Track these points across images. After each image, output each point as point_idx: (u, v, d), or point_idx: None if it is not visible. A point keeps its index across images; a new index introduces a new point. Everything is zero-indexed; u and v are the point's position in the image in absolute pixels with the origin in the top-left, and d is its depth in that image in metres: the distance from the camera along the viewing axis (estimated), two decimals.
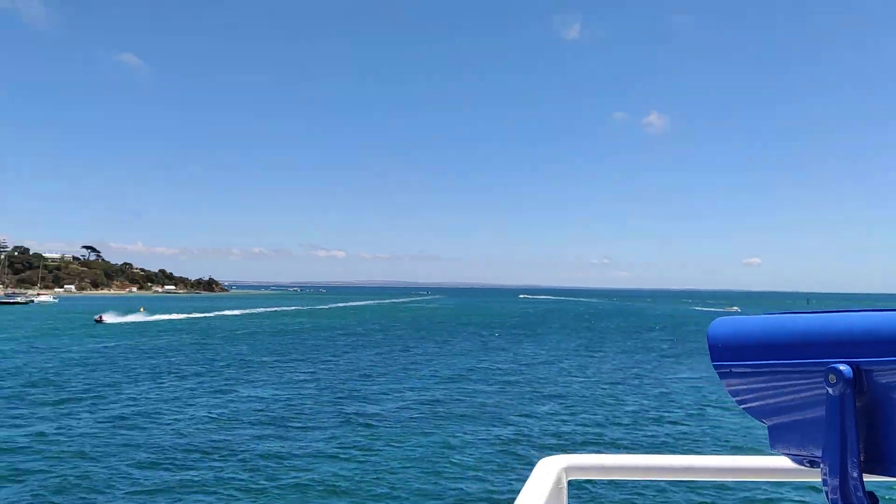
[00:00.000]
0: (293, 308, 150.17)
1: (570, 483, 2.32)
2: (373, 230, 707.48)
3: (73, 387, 34.78)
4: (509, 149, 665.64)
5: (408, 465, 20.90)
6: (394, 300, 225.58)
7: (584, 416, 28.83)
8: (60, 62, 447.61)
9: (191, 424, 25.98)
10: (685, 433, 25.90)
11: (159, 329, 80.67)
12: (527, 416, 28.57)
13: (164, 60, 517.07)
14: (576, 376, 40.93)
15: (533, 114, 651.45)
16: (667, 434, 25.64)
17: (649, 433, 25.70)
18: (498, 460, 21.58)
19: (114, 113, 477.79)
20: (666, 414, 29.31)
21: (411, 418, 27.60)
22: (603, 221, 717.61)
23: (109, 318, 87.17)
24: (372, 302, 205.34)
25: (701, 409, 30.45)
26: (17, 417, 26.92)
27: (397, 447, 22.88)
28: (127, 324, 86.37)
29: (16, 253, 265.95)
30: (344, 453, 22.08)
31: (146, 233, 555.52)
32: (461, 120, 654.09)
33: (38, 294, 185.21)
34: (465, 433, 25.00)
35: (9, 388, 34.42)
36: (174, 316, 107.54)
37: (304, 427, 25.74)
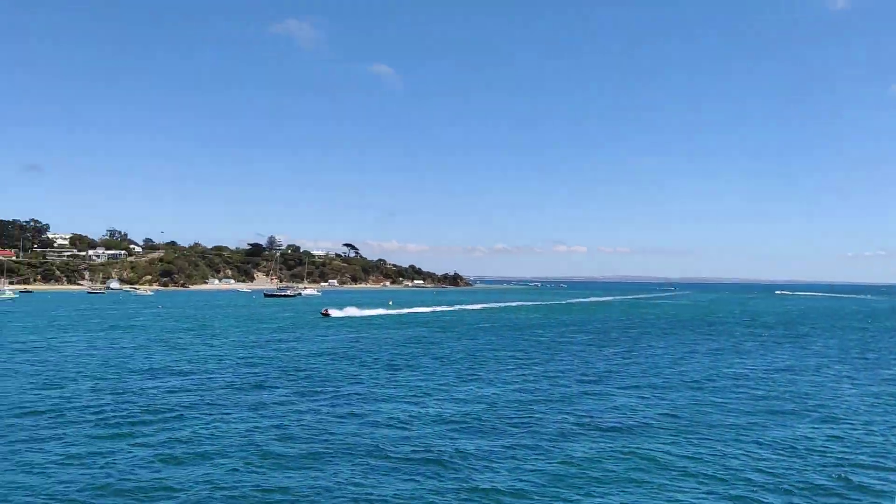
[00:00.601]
0: (531, 303, 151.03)
1: None
2: (613, 224, 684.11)
3: (311, 378, 37.10)
4: (761, 133, 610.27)
5: (642, 477, 18.83)
6: (636, 296, 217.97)
7: (857, 433, 24.35)
8: (326, 76, 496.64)
9: (417, 422, 25.98)
10: None
11: (402, 321, 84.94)
12: (785, 429, 24.80)
13: (412, 69, 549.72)
14: (847, 386, 35.31)
15: (798, 95, 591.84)
16: None
17: None
18: (756, 484, 18.65)
19: (370, 122, 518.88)
20: None
21: (648, 426, 25.23)
22: (878, 208, 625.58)
23: (334, 312, 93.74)
24: (612, 298, 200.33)
25: None
26: (256, 407, 28.95)
27: (630, 457, 20.84)
28: (356, 318, 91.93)
29: (289, 251, 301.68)
30: (572, 459, 20.61)
31: (399, 232, 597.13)
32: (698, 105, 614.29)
33: (305, 288, 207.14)
34: (710, 447, 22.17)
35: (254, 376, 37.57)
36: (419, 309, 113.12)
37: (531, 430, 24.54)
